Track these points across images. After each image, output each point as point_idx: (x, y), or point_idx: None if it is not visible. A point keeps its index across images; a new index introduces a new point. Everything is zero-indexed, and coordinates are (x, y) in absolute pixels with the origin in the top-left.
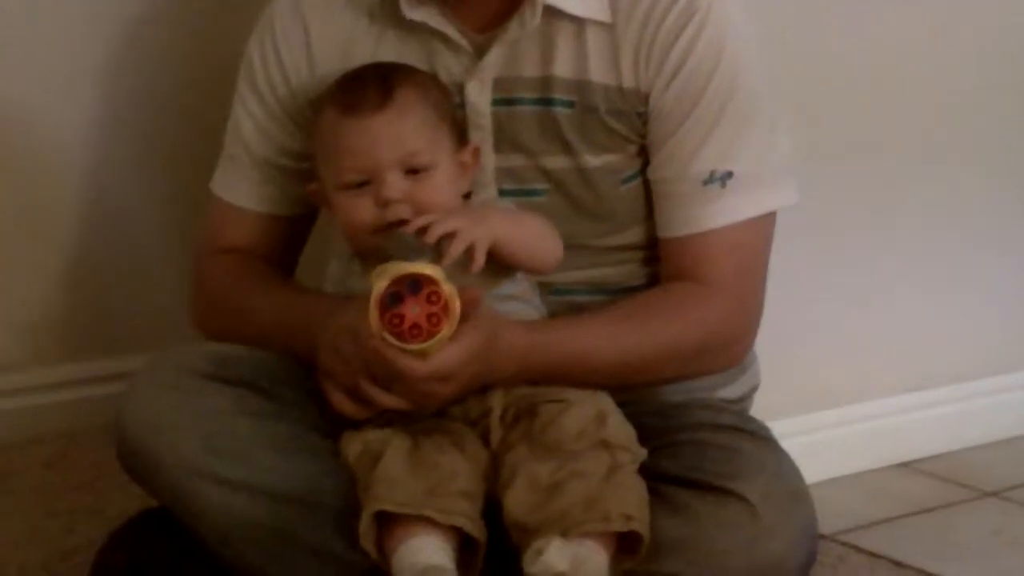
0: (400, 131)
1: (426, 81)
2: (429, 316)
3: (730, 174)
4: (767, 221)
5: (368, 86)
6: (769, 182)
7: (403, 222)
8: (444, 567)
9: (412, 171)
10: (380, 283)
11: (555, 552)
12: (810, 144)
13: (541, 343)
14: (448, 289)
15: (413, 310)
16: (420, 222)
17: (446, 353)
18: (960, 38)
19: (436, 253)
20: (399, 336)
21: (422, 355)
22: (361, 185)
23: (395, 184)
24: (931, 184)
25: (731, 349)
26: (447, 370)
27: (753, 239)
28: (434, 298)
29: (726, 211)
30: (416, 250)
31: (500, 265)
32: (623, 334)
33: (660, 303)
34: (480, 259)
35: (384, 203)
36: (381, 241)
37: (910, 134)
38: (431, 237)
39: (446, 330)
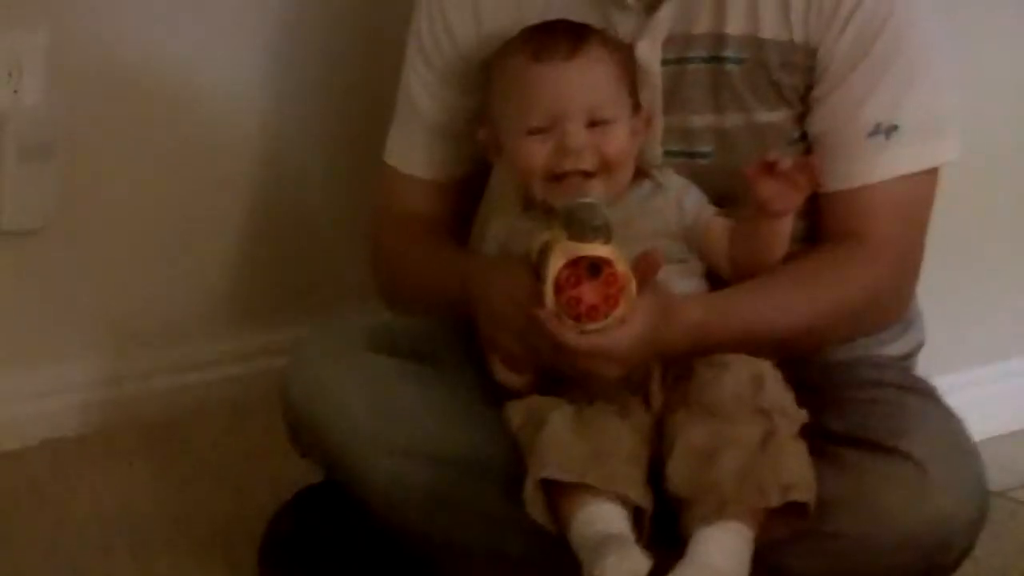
0: (589, 81)
1: (614, 40)
2: (607, 298)
3: (895, 127)
4: (931, 176)
5: (559, 35)
6: (934, 136)
7: (582, 173)
8: (623, 536)
9: (594, 123)
10: (556, 262)
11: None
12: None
13: (714, 319)
14: (624, 271)
15: (591, 292)
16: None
17: (614, 335)
18: None
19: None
20: (576, 317)
21: (600, 334)
22: (542, 131)
23: (579, 133)
24: None
25: (893, 307)
26: (612, 351)
27: (917, 194)
28: (611, 279)
29: (891, 165)
30: (592, 229)
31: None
32: (793, 303)
33: (826, 266)
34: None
35: (566, 151)
36: (556, 202)
37: None
38: None
39: (621, 309)
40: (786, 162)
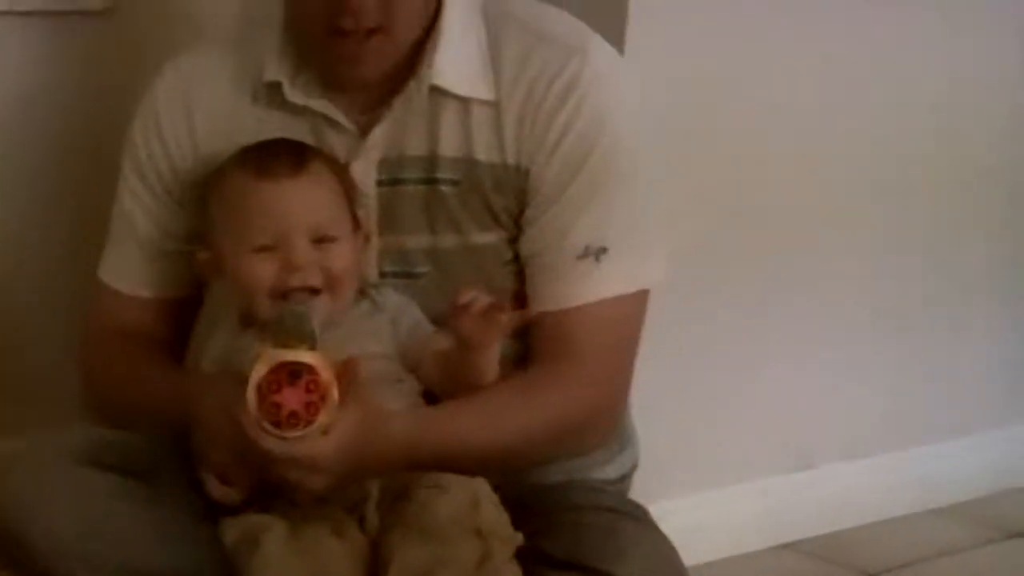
0: (313, 199)
1: (333, 159)
2: (307, 405)
3: (604, 249)
4: (640, 297)
5: (281, 154)
6: (643, 258)
7: (308, 290)
8: None
9: (319, 240)
10: (260, 368)
11: None
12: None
13: (425, 435)
14: (327, 379)
15: (292, 398)
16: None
17: (317, 444)
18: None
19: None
20: (277, 424)
21: (301, 442)
22: (267, 249)
23: (305, 250)
24: (817, 256)
25: (602, 427)
26: (316, 460)
27: (626, 315)
28: (312, 387)
29: (599, 286)
30: (297, 336)
31: None
32: (503, 421)
33: (536, 386)
34: None
35: (292, 268)
36: (272, 314)
37: (795, 211)
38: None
39: (323, 417)
40: (481, 302)
